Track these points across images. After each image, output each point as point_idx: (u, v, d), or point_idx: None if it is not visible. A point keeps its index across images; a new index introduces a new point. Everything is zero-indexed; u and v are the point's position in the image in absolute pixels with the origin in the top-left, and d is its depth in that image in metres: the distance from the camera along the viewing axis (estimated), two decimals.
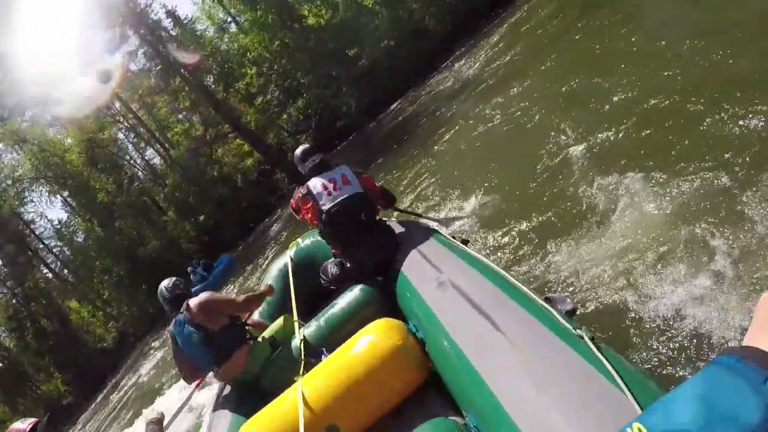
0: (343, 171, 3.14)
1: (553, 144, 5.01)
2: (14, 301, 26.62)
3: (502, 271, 2.22)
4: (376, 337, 2.22)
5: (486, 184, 5.36)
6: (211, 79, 20.74)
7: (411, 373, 2.19)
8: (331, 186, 3.04)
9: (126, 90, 22.63)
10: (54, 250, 28.49)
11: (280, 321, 3.15)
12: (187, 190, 21.44)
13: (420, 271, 2.58)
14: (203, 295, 2.99)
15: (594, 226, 3.47)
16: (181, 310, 2.96)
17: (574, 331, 1.63)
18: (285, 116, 20.02)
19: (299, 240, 4.03)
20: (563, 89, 6.24)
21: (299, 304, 3.23)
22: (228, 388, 3.05)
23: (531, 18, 11.60)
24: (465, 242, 2.85)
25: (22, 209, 26.46)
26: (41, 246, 27.77)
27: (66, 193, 24.74)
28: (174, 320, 3.01)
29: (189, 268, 16.46)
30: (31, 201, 26.71)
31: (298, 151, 3.37)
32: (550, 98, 6.35)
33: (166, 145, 22.79)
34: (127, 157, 25.24)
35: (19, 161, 24.84)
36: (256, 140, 19.96)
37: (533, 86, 7.36)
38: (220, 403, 2.97)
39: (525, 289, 2.01)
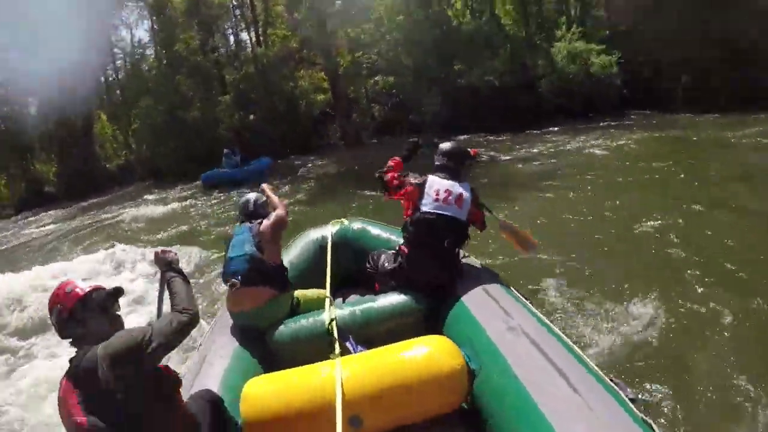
0: (465, 190, 3.07)
1: (647, 239, 5.36)
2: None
3: (567, 338, 2.29)
4: (434, 351, 2.25)
5: (562, 253, 5.28)
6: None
7: (452, 397, 2.22)
8: (443, 196, 3.01)
9: None
10: (117, 62, 29.40)
11: (313, 292, 3.21)
12: (254, 86, 21.86)
13: (486, 309, 2.59)
14: (274, 216, 3.09)
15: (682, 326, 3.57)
16: (252, 222, 3.09)
17: (642, 417, 1.75)
18: (372, 81, 20.31)
19: (344, 220, 4.02)
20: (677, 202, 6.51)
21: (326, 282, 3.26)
22: (228, 326, 3.00)
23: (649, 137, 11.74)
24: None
25: (113, 12, 27.22)
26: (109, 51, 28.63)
27: (157, 25, 25.33)
28: (239, 224, 3.18)
29: (226, 150, 15.94)
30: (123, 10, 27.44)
31: (444, 144, 3.29)
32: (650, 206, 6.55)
33: (261, 39, 23.24)
34: (224, 26, 25.73)
35: None
36: (336, 83, 20.32)
37: (628, 192, 7.62)
38: (219, 339, 2.90)
39: (592, 363, 2.09)
